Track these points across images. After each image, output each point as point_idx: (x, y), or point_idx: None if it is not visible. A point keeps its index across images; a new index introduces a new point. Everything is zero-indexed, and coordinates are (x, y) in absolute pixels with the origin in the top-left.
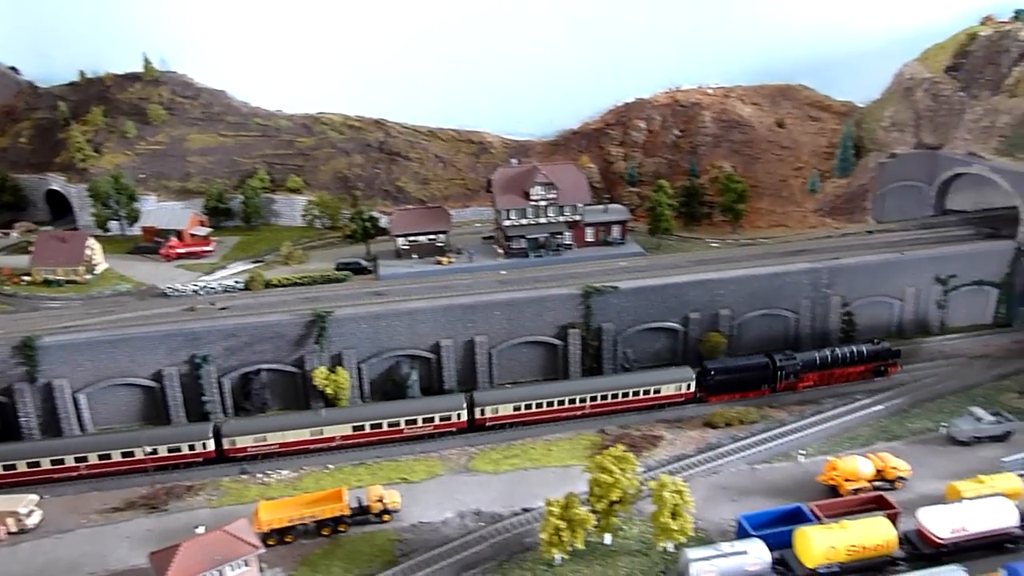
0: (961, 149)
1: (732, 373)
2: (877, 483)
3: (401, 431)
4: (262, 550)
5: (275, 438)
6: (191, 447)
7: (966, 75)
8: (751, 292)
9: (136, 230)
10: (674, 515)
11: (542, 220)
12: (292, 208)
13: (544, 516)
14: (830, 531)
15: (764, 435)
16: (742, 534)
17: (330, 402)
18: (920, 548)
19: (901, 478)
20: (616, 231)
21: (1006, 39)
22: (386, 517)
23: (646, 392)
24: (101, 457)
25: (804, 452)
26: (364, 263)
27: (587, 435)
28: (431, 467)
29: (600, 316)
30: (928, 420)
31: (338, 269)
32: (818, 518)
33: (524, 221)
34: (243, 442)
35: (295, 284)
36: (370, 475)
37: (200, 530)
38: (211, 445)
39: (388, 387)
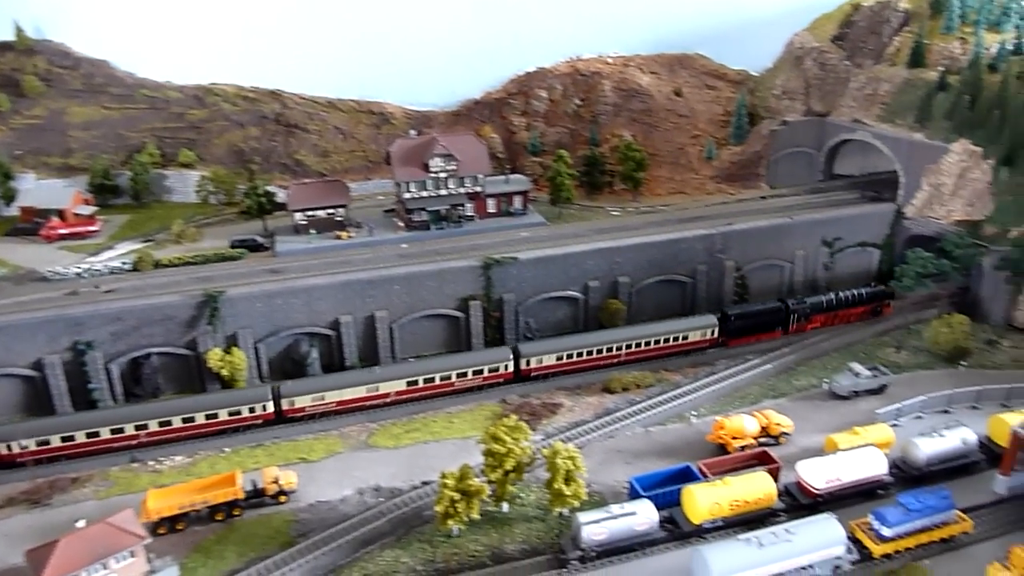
0: (847, 116)
1: (750, 318)
2: (763, 439)
3: (452, 384)
4: (149, 540)
5: (333, 396)
6: (251, 410)
7: (851, 44)
8: (649, 259)
9: (14, 210)
10: (568, 481)
11: (442, 192)
12: (185, 184)
13: (439, 489)
14: (714, 488)
15: (659, 398)
16: (634, 495)
17: (226, 383)
18: (799, 499)
19: (785, 433)
20: (518, 201)
21: (887, 10)
22: (282, 498)
23: (675, 339)
24: (162, 424)
25: (696, 413)
26: (260, 240)
27: (489, 405)
28: (331, 445)
29: (501, 287)
30: (812, 377)
31: (233, 247)
32: (705, 476)
33: (424, 193)
34: (302, 402)
35: (187, 263)
36: (268, 456)
37: (81, 523)
38: (271, 407)
39: (287, 366)
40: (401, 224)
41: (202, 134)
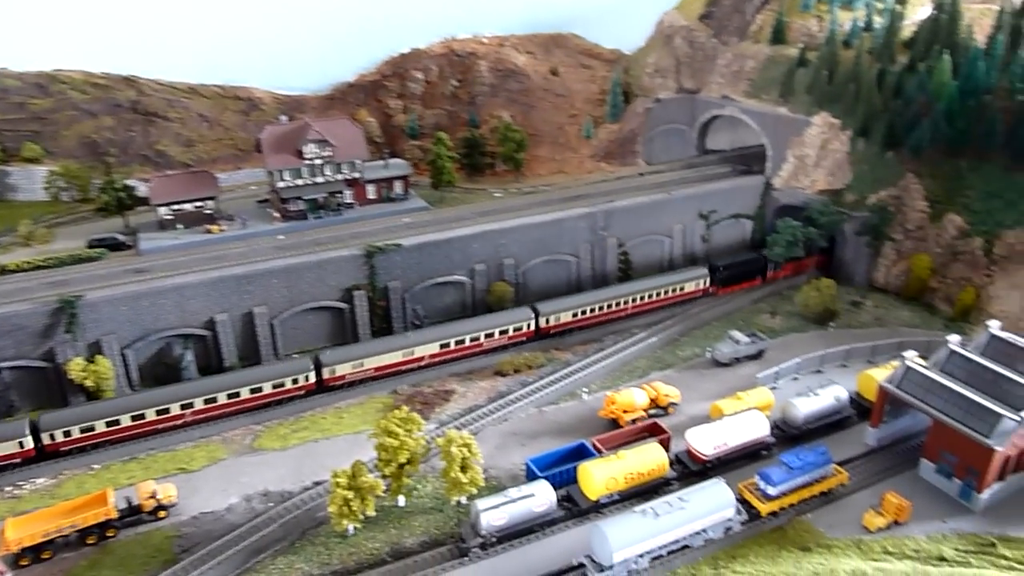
0: (716, 92)
1: (735, 268)
2: (653, 411)
3: (481, 345)
4: (8, 574)
5: (371, 362)
6: (295, 381)
7: (717, 23)
8: (533, 239)
9: None
10: (464, 468)
11: (319, 180)
12: (32, 181)
13: (331, 489)
14: (608, 463)
15: (551, 377)
16: (531, 477)
17: (92, 394)
18: (690, 466)
19: (673, 404)
20: (399, 186)
21: None
22: (162, 513)
23: (674, 290)
24: (207, 401)
25: (587, 390)
26: (121, 238)
27: (379, 398)
28: (212, 452)
29: (385, 275)
30: (696, 347)
31: (91, 247)
32: (599, 452)
33: (300, 182)
34: (342, 370)
35: (39, 268)
36: (143, 470)
37: None
38: (313, 377)
39: (159, 371)
40: (277, 215)
41: (48, 125)
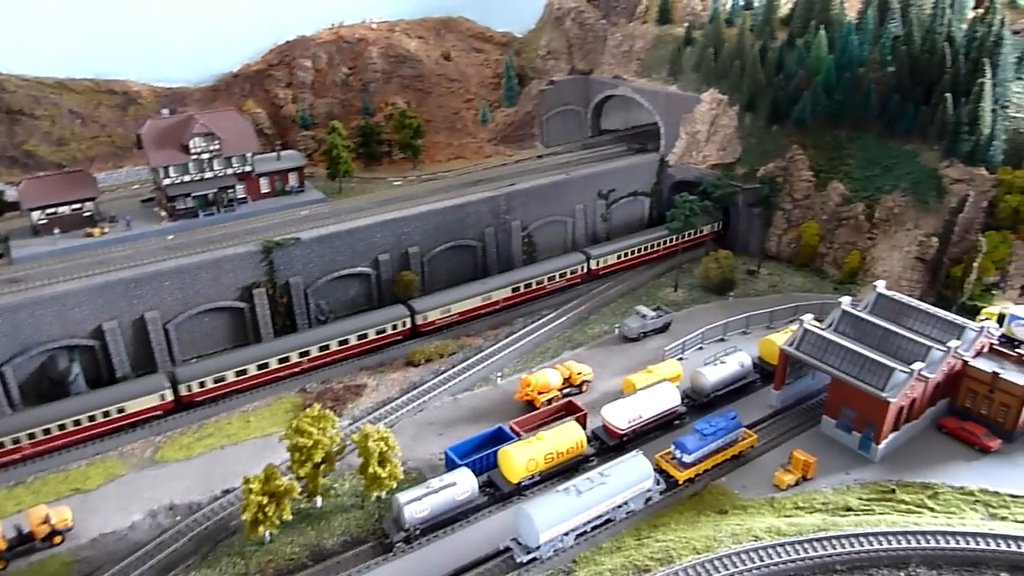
0: (608, 73)
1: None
2: (567, 390)
3: (544, 287)
4: None
5: (456, 308)
6: (395, 327)
7: (605, 3)
8: (436, 227)
9: None
10: (382, 462)
11: (208, 175)
12: None
13: (244, 496)
14: (528, 445)
15: (464, 364)
16: (450, 465)
17: None
18: (607, 441)
19: (586, 381)
20: (293, 179)
21: None
22: (57, 539)
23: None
24: (281, 361)
25: (501, 374)
26: None
27: (288, 398)
28: (110, 468)
29: (286, 270)
30: (604, 324)
31: None
32: (518, 435)
33: (187, 178)
34: (433, 316)
35: None
36: (32, 495)
37: None
38: (409, 323)
39: (44, 387)
40: (164, 214)
41: None
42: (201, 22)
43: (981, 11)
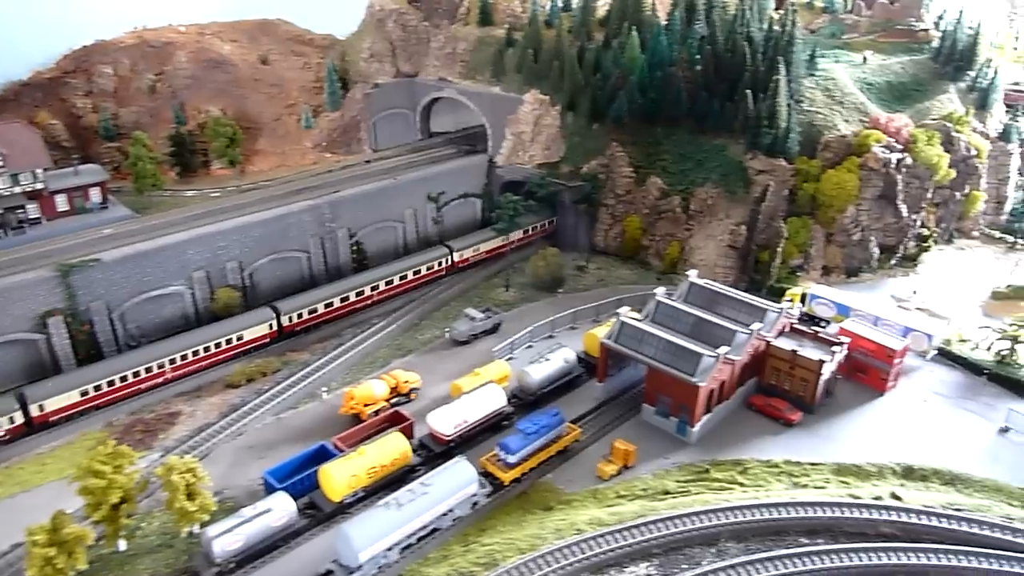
0: (433, 75)
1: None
2: (396, 399)
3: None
4: None
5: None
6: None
7: (427, 6)
8: (256, 239)
9: None
10: (190, 495)
11: None
12: None
13: (28, 550)
14: (348, 461)
15: (288, 381)
16: (270, 490)
17: None
18: (434, 449)
19: (414, 389)
20: (95, 195)
21: None
22: None
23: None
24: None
25: (326, 389)
26: None
27: (92, 433)
28: None
29: (87, 295)
30: (435, 329)
31: None
32: (342, 451)
33: None
34: (466, 254)
35: None
36: None
37: None
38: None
39: None
40: None
41: None
42: None
43: (781, 12)
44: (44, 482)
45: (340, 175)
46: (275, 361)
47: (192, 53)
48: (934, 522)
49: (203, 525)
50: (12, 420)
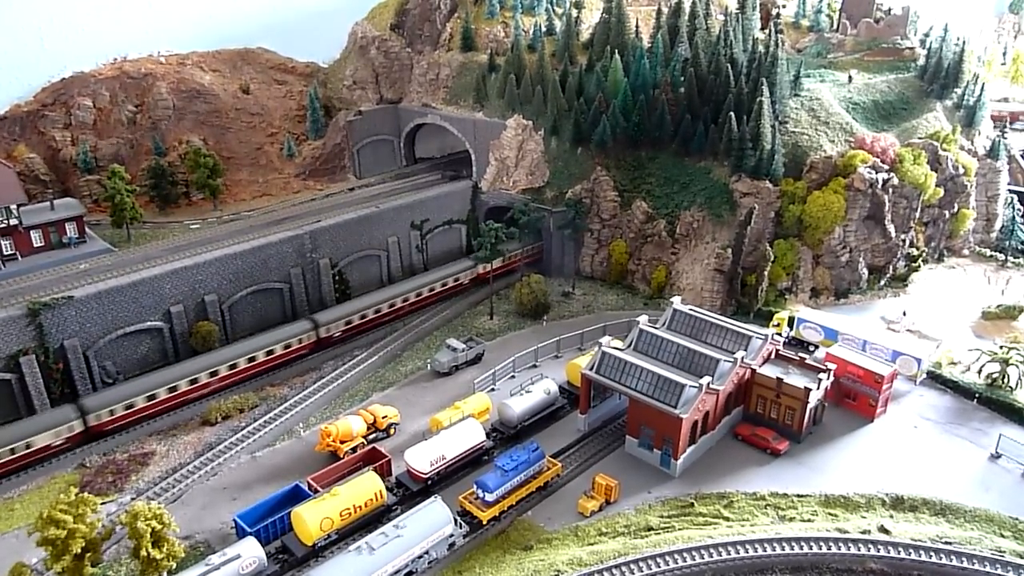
0: (417, 101)
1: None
2: (373, 436)
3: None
4: None
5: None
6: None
7: (409, 32)
8: (235, 271)
9: None
10: (157, 543)
11: None
12: None
13: None
14: (321, 502)
15: (265, 418)
16: (241, 534)
17: None
18: (411, 487)
19: (393, 424)
20: (71, 229)
21: None
22: None
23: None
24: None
25: (303, 425)
26: None
27: (63, 476)
28: None
29: (59, 333)
30: (418, 360)
31: None
32: (316, 491)
33: None
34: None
35: None
36: None
37: None
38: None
39: None
40: None
41: None
42: None
43: (766, 32)
44: (8, 530)
45: (322, 204)
46: (253, 396)
47: (172, 83)
48: (923, 556)
49: (171, 573)
50: None
